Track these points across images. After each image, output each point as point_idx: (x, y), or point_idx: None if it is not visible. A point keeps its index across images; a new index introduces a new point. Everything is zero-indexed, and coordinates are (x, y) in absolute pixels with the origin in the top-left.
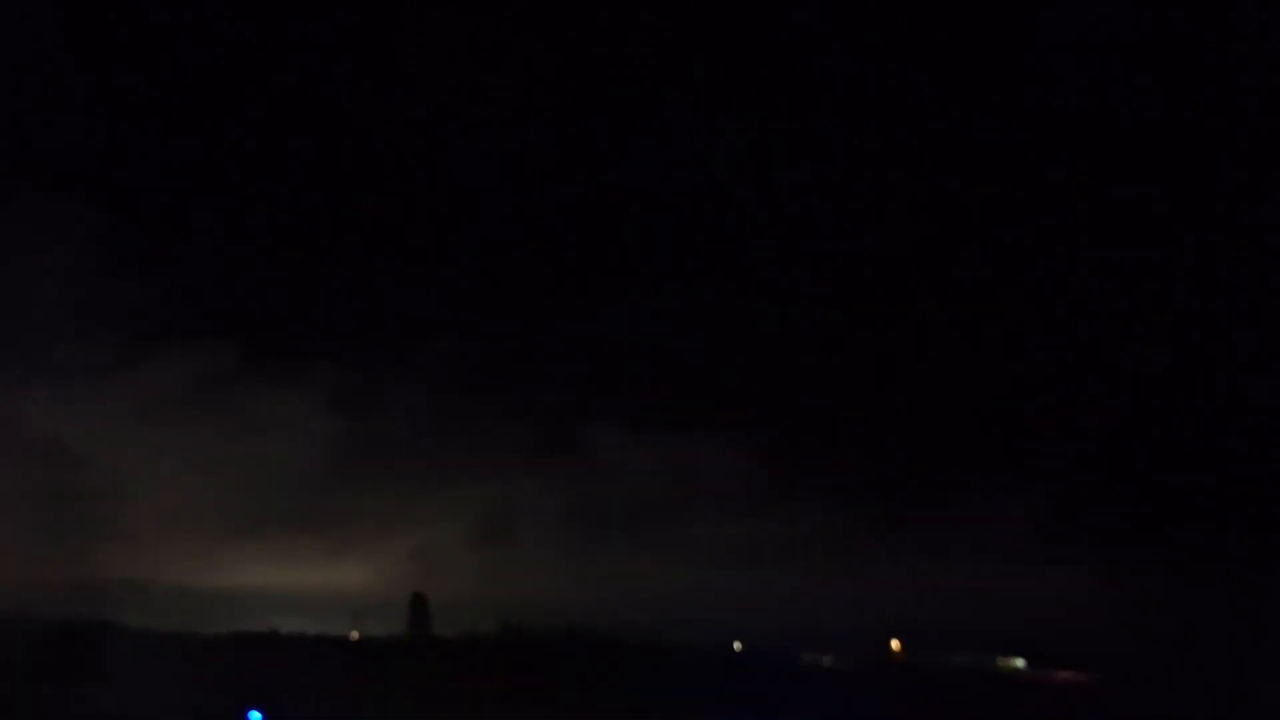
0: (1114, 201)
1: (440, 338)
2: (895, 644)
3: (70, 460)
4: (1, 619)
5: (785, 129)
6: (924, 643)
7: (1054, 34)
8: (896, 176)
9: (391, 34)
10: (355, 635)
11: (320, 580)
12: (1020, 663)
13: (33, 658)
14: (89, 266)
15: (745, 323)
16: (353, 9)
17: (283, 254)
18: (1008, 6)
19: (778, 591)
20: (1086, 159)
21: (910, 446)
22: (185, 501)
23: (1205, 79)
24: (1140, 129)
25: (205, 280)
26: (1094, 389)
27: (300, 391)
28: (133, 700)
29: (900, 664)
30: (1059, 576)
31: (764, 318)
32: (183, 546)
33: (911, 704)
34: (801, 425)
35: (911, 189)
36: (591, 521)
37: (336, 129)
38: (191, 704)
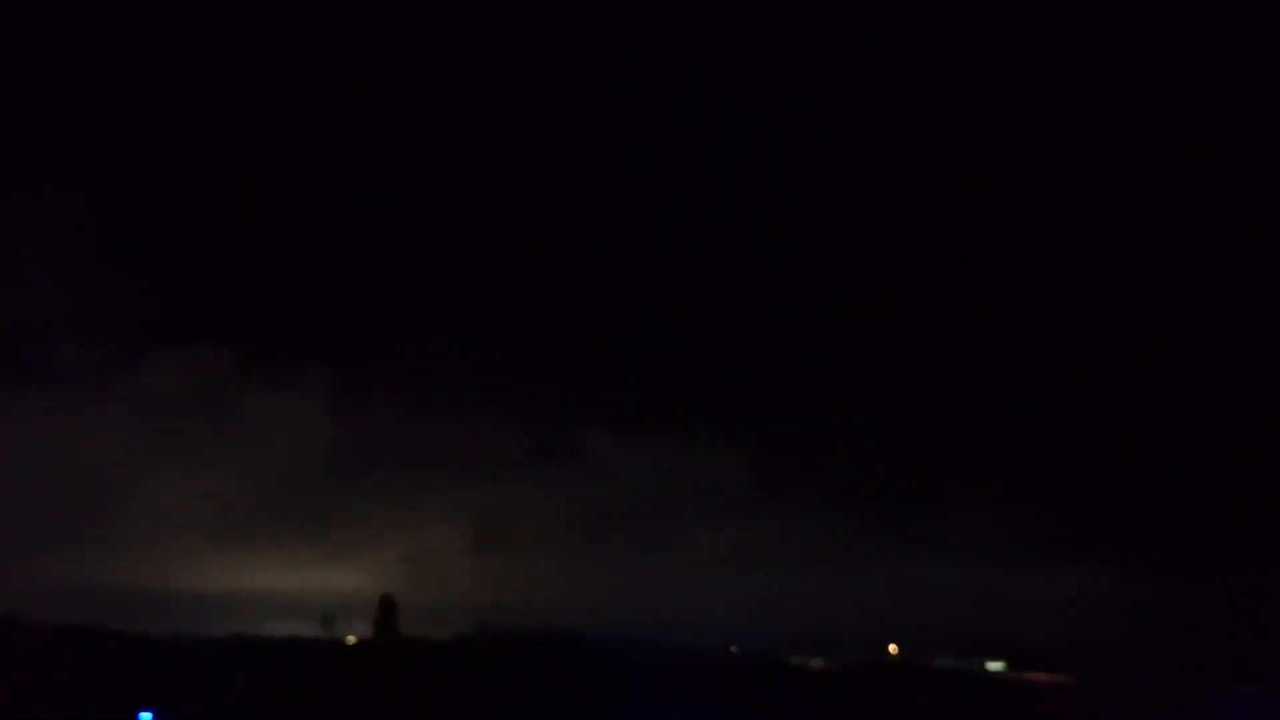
0: (1109, 207)
1: (435, 343)
2: (893, 648)
3: (66, 464)
4: None
5: (782, 130)
6: (917, 645)
7: (1054, 34)
8: (892, 182)
9: (391, 34)
10: (352, 639)
11: (317, 584)
12: (1002, 665)
13: (29, 661)
14: (85, 272)
15: (739, 328)
16: (353, 9)
17: (278, 259)
18: (1008, 6)
19: (772, 594)
20: (1085, 161)
21: (903, 452)
22: (181, 505)
23: (1204, 80)
24: (1137, 130)
25: (201, 285)
26: (1083, 397)
27: (296, 396)
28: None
29: (890, 666)
30: (1051, 580)
31: (758, 323)
32: (178, 550)
33: (898, 705)
34: (795, 430)
35: (906, 196)
36: (586, 525)
37: (335, 132)
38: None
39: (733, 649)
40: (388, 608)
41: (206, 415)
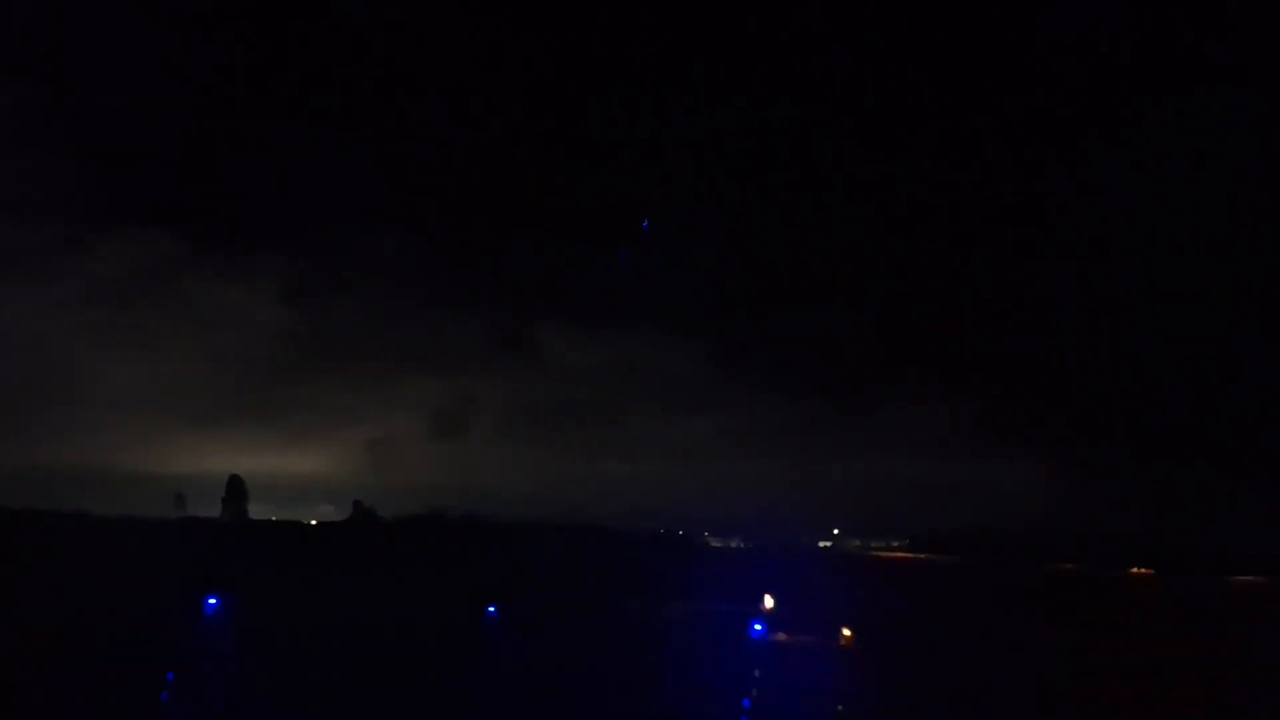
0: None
1: (392, 232)
2: (835, 531)
3: (10, 347)
4: None
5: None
6: (851, 530)
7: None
8: (864, 92)
9: None
10: (314, 522)
11: (276, 468)
12: (900, 544)
13: None
14: (33, 149)
15: (693, 224)
16: None
17: (232, 144)
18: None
19: (721, 483)
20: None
21: (853, 344)
22: (137, 389)
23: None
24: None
25: (152, 167)
26: (1029, 294)
27: (251, 282)
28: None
29: (791, 547)
30: (979, 472)
31: (713, 220)
32: (135, 434)
33: (790, 576)
34: (747, 322)
35: (871, 102)
36: (542, 416)
37: (291, 13)
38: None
39: (662, 530)
40: (235, 488)
41: (158, 300)
